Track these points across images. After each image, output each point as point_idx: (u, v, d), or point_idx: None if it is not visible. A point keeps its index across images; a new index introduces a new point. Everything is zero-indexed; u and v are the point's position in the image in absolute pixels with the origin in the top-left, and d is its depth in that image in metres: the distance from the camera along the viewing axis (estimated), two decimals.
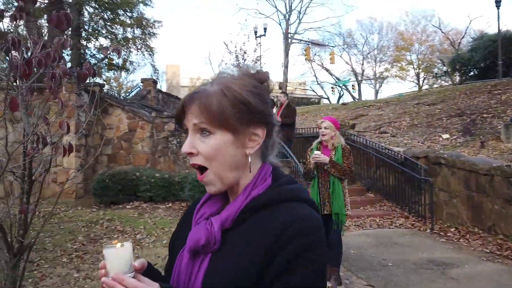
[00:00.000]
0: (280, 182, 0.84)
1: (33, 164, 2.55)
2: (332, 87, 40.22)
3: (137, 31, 22.01)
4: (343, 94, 39.71)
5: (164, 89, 30.02)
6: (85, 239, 5.99)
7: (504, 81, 14.47)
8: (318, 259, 0.74)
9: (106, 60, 21.87)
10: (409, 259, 5.03)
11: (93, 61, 21.57)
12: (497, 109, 11.05)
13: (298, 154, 8.25)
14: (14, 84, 2.35)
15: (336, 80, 39.90)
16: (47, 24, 15.06)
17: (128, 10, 21.03)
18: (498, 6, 20.18)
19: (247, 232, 0.77)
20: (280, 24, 25.32)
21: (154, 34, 22.17)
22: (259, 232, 0.75)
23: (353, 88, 39.09)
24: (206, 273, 0.76)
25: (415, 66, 39.82)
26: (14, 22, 2.34)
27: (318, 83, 41.59)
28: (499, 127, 9.39)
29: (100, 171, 9.16)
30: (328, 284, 3.91)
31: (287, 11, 25.37)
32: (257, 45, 18.03)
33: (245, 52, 15.21)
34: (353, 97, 37.73)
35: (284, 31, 24.22)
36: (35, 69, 2.22)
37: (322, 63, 38.67)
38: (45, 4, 16.51)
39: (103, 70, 22.58)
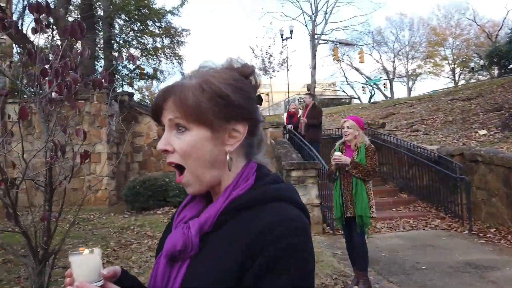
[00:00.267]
0: (264, 182, 0.78)
1: (56, 172, 2.62)
2: (362, 87, 39.39)
3: (166, 41, 22.49)
4: (374, 93, 38.81)
5: None
6: (116, 245, 6.12)
7: None
8: (304, 262, 0.68)
9: (137, 70, 22.53)
10: (445, 262, 4.79)
11: (124, 71, 22.28)
12: None
13: (326, 156, 8.10)
14: (32, 94, 2.41)
15: (367, 79, 39.08)
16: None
17: (157, 21, 21.53)
18: None
19: (229, 234, 0.72)
20: (306, 25, 25.15)
21: (182, 42, 22.56)
22: (242, 233, 0.70)
23: (384, 87, 38.12)
24: (184, 279, 0.71)
25: (450, 61, 38.35)
26: (36, 34, 2.42)
27: (348, 83, 40.91)
28: None
29: (131, 178, 9.38)
30: None
31: (313, 12, 25.16)
32: (282, 47, 17.96)
33: (271, 55, 15.17)
34: (385, 96, 36.81)
35: (311, 32, 24.01)
36: (48, 78, 2.27)
37: (351, 63, 38.07)
38: (79, 19, 17.19)
39: (134, 79, 23.26)
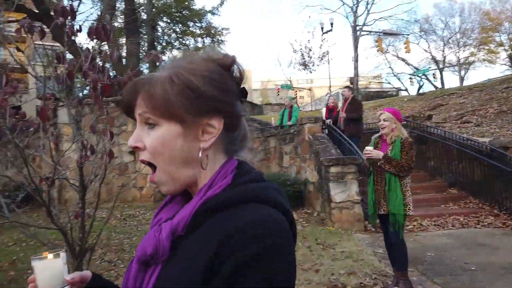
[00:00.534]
0: (242, 180, 0.72)
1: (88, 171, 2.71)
2: (410, 78, 37.67)
3: (207, 40, 22.88)
4: (423, 84, 36.97)
5: None
6: None
7: None
8: (276, 268, 0.61)
9: None
10: (498, 262, 4.43)
11: None
12: None
13: None
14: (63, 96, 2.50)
15: (415, 70, 37.37)
16: (124, 41, 16.32)
17: (198, 21, 21.96)
18: None
19: (202, 236, 0.66)
20: (347, 17, 24.53)
21: (222, 41, 22.85)
22: (212, 235, 0.64)
23: (434, 77, 36.23)
24: (155, 285, 0.67)
25: (507, 47, 35.69)
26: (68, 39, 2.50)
27: (394, 75, 39.41)
28: None
29: None
30: None
31: (354, 3, 24.42)
32: (322, 41, 17.60)
33: (310, 50, 14.90)
34: (435, 87, 35.00)
35: (352, 24, 23.33)
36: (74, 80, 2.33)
37: (397, 54, 36.57)
38: (123, 23, 17.90)
39: None
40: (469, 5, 38.20)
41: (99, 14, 15.22)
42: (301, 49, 15.56)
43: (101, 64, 2.59)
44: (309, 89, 37.84)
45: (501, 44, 35.84)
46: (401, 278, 3.55)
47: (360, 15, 24.72)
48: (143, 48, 19.99)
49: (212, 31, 22.36)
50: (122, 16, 17.67)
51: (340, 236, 5.72)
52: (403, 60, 37.10)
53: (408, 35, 31.35)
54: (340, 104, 8.78)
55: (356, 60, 22.43)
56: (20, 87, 2.71)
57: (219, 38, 22.83)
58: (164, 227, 0.69)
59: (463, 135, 8.21)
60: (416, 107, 13.86)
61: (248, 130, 0.80)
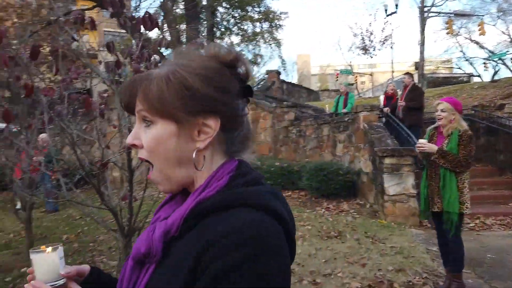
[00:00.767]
0: (238, 182, 0.69)
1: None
2: (484, 63, 34.56)
3: (265, 25, 22.78)
4: (498, 70, 33.82)
5: (295, 79, 30.51)
6: None
7: None
8: (257, 278, 0.58)
9: None
10: None
11: None
12: None
13: None
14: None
15: (490, 53, 34.27)
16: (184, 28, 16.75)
17: (256, 6, 21.89)
18: None
19: (191, 240, 0.65)
20: None
21: (280, 26, 22.64)
22: (197, 241, 0.63)
23: None
24: (146, 285, 0.67)
25: None
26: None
27: (466, 60, 36.39)
28: None
29: None
30: None
31: None
32: (385, 24, 16.69)
33: (371, 33, 14.23)
34: None
35: (420, 5, 21.81)
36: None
37: (470, 36, 33.71)
38: (183, 10, 18.36)
39: None
40: None
41: (162, 1, 15.73)
42: (361, 32, 14.92)
43: (148, 53, 2.67)
44: (371, 74, 36.34)
45: None
46: (454, 280, 3.34)
47: None
48: (203, 34, 20.40)
49: (271, 16, 22.20)
50: (183, 2, 18.10)
51: (392, 230, 5.49)
52: (477, 43, 34.04)
53: (483, 15, 28.68)
54: (400, 92, 8.32)
55: (422, 43, 21.03)
56: (85, 72, 2.89)
57: (277, 23, 22.64)
58: (158, 227, 0.69)
59: None
60: (488, 95, 12.73)
61: (251, 130, 0.77)
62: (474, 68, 37.32)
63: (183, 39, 16.56)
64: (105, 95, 3.01)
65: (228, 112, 0.70)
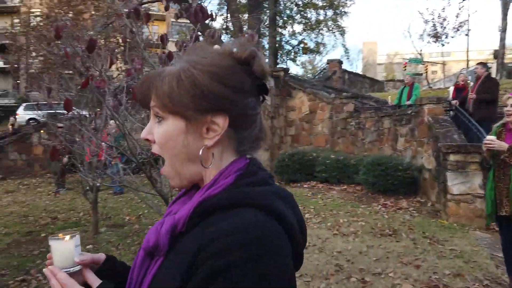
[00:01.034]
0: (244, 182, 0.69)
1: None
2: None
3: (329, 13, 22.18)
4: None
5: (359, 68, 29.43)
6: None
7: None
8: (240, 282, 0.58)
9: (301, 45, 23.01)
10: None
11: (288, 47, 23.02)
12: None
13: None
14: None
15: None
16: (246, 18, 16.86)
17: None
18: None
19: (195, 237, 0.66)
20: None
21: (345, 13, 21.91)
22: (195, 240, 0.64)
23: None
24: (153, 279, 0.70)
25: None
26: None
27: None
28: None
29: (282, 151, 9.84)
30: None
31: None
32: (460, 9, 15.41)
33: (444, 19, 13.21)
34: None
35: None
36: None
37: None
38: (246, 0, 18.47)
39: (298, 54, 23.83)
40: None
41: None
42: (433, 19, 13.87)
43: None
44: (443, 64, 33.91)
45: None
46: None
47: None
48: (265, 23, 20.39)
49: (335, 3, 21.55)
50: None
51: (454, 232, 5.15)
52: None
53: None
54: (472, 84, 7.68)
55: (503, 30, 19.17)
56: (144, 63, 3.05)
57: (342, 10, 21.93)
58: (167, 221, 0.71)
59: None
60: None
61: (264, 130, 0.76)
62: None
63: (245, 28, 16.70)
64: None
65: (238, 110, 0.70)
